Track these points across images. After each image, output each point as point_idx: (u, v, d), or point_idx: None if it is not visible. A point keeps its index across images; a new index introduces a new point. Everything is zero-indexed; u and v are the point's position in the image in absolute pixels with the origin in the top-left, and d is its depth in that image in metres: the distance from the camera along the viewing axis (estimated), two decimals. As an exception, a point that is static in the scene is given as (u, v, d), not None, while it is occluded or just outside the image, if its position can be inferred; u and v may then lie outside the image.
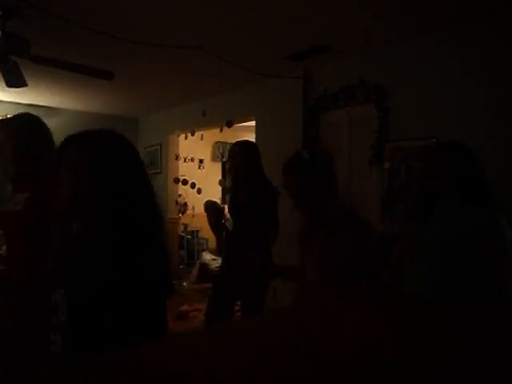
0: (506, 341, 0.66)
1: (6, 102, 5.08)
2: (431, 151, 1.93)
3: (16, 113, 1.79)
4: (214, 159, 7.00)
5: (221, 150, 6.92)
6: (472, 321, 0.85)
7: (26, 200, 1.57)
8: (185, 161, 5.99)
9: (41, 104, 5.32)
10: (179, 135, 5.77)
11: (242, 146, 2.93)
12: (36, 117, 1.76)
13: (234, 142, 3.10)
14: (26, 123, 1.73)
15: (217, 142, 6.87)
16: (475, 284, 1.60)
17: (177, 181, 5.78)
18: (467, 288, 1.60)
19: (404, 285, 1.87)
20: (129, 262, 0.97)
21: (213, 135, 5.83)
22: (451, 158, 1.75)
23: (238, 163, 2.87)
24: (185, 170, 5.99)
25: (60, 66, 2.84)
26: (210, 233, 6.26)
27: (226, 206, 3.92)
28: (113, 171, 1.05)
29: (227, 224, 4.23)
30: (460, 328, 0.73)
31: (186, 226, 6.35)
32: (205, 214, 5.40)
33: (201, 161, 6.08)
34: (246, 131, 4.92)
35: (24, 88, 3.16)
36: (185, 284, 5.88)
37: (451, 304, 1.60)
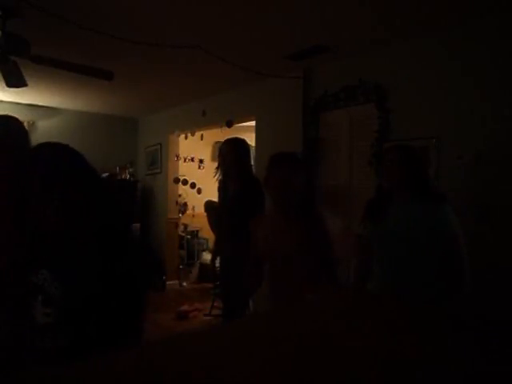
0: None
1: (6, 102, 5.08)
2: (382, 153, 2.10)
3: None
4: (214, 159, 6.98)
5: (221, 150, 6.92)
6: (455, 319, 0.85)
7: None
8: (185, 161, 5.99)
9: (41, 104, 5.30)
10: (179, 135, 5.77)
11: (232, 145, 2.94)
12: (13, 121, 1.77)
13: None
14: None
15: (217, 142, 6.84)
16: (438, 265, 1.81)
17: (177, 181, 5.78)
18: (433, 269, 1.80)
19: (373, 281, 2.04)
20: (114, 270, 1.03)
21: (213, 135, 5.82)
22: (400, 158, 1.93)
23: (229, 162, 2.89)
24: (185, 169, 5.98)
25: (60, 66, 2.83)
26: (210, 233, 6.23)
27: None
28: (74, 199, 1.07)
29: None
30: (446, 327, 0.74)
31: (186, 226, 6.35)
32: (205, 214, 5.40)
33: (201, 161, 6.08)
34: (246, 131, 4.90)
35: (24, 88, 3.16)
36: (185, 284, 5.88)
37: (423, 288, 1.78)
